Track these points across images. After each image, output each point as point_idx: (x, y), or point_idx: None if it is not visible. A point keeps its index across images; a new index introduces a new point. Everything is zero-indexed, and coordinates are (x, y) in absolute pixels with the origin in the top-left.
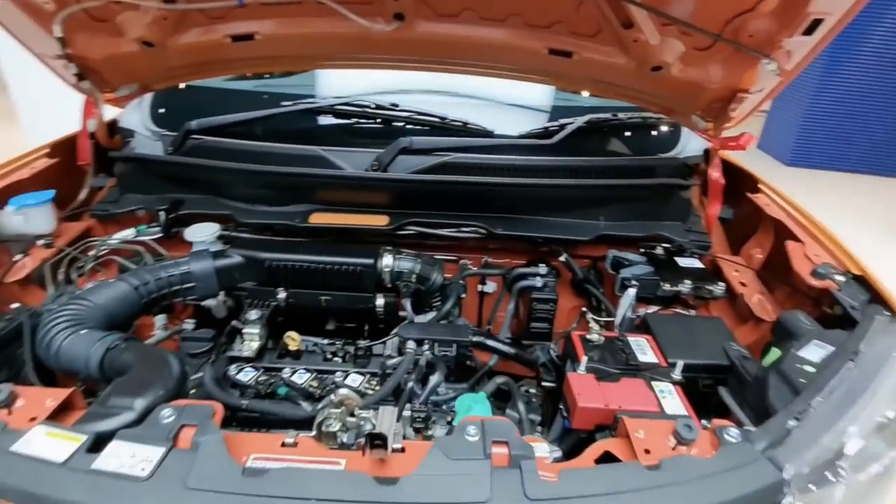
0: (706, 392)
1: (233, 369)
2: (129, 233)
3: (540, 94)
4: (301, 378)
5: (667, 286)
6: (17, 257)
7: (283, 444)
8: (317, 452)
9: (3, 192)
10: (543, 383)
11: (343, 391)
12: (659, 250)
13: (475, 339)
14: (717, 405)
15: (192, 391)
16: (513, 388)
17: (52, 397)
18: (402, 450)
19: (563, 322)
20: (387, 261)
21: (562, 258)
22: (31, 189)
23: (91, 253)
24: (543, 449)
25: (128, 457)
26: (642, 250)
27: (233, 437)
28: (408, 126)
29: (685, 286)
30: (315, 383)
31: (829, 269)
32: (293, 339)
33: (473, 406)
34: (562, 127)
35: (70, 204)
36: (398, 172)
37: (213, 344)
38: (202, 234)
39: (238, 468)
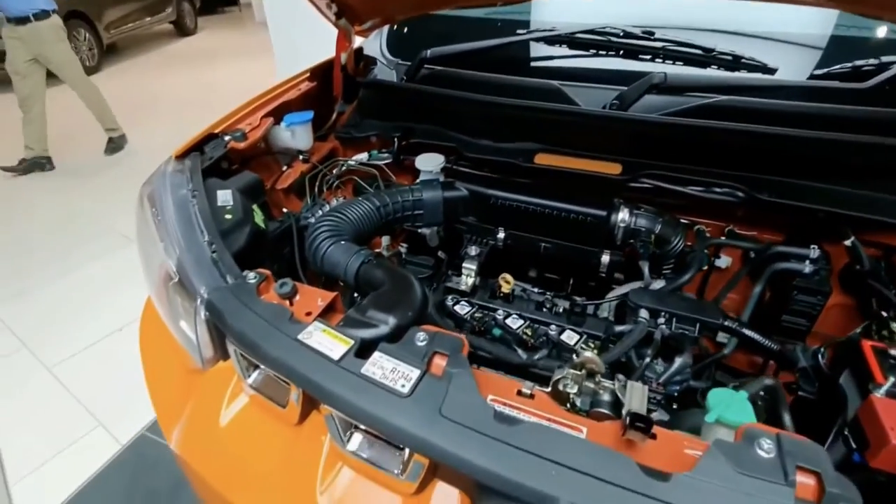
0: None
1: (449, 300)
2: (363, 156)
3: (813, 20)
4: (515, 323)
5: None
6: (284, 168)
7: (520, 393)
8: (553, 411)
9: (278, 109)
10: (800, 392)
11: (588, 354)
12: None
13: (727, 323)
14: None
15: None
16: (780, 394)
17: (321, 297)
18: (654, 436)
19: (821, 322)
20: (622, 215)
21: (848, 241)
22: (295, 109)
23: (335, 171)
24: None
25: (389, 369)
26: None
27: (476, 372)
28: (658, 60)
29: None
30: (529, 331)
31: None
32: (507, 282)
33: (732, 405)
34: (880, 66)
35: (323, 125)
36: (643, 114)
37: (434, 272)
38: (430, 163)
39: (489, 409)
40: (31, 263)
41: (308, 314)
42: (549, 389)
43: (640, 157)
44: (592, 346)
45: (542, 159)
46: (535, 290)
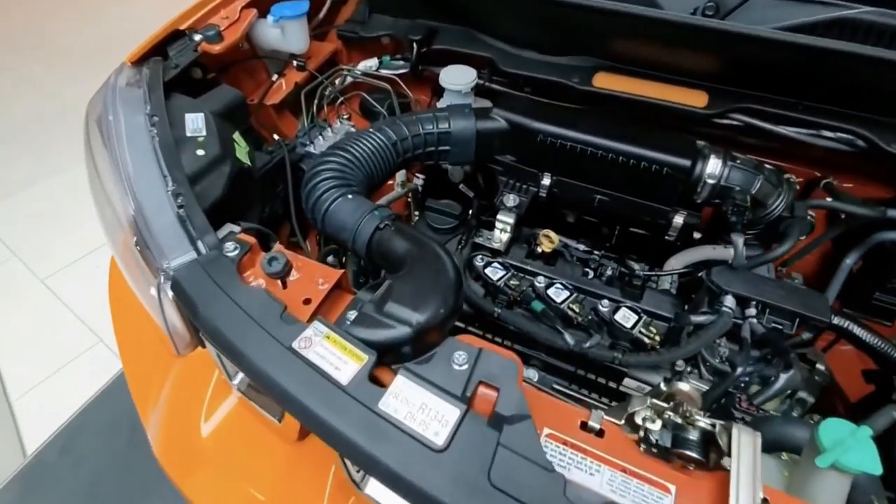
0: None
1: (478, 260)
2: (371, 63)
3: None
4: (559, 295)
5: None
6: (274, 77)
7: (586, 427)
8: (631, 458)
9: None
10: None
11: (683, 386)
12: None
13: (836, 321)
14: None
15: None
16: None
17: (324, 277)
18: (765, 501)
19: None
20: (712, 167)
21: None
22: None
23: (338, 82)
24: None
25: (417, 406)
26: None
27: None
28: None
29: None
30: (576, 307)
31: None
32: (550, 240)
33: (853, 446)
34: None
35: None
36: (749, 25)
37: (461, 223)
38: (459, 79)
39: (559, 480)
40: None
41: (307, 302)
42: (622, 422)
43: (734, 84)
44: (654, 331)
45: (604, 81)
46: (580, 246)
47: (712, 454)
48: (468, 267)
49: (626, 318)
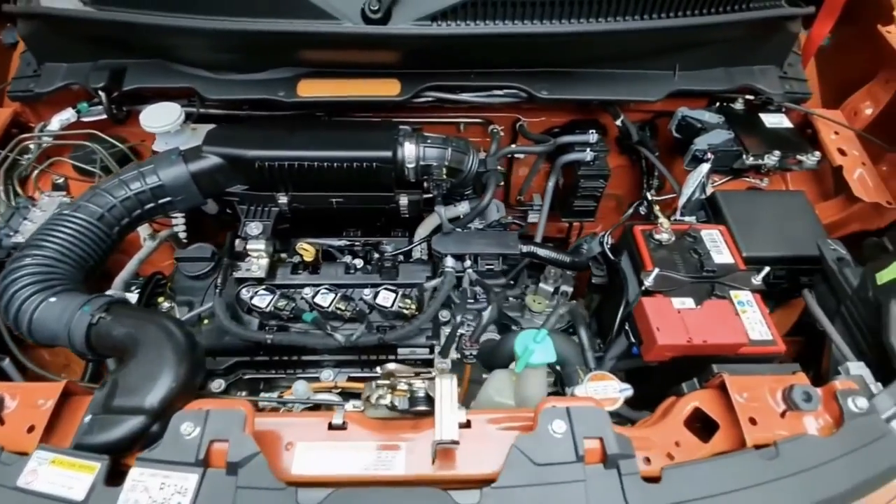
0: (774, 284)
1: (245, 293)
2: (67, 115)
3: None
4: (325, 299)
5: (750, 159)
6: None
7: (331, 426)
8: (368, 435)
9: None
10: (593, 279)
11: (390, 366)
12: (738, 103)
13: (524, 249)
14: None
15: (206, 322)
16: (576, 317)
17: (44, 396)
18: (468, 424)
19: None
20: (409, 151)
21: (618, 121)
22: None
23: (30, 152)
24: (613, 388)
25: (157, 488)
26: (719, 104)
27: (271, 426)
28: None
29: (772, 158)
30: (342, 304)
31: None
32: (307, 251)
33: (535, 348)
34: None
35: None
36: (408, 17)
37: (216, 263)
38: (163, 120)
39: (290, 495)
40: None
41: (31, 430)
42: (362, 408)
43: (418, 67)
44: (409, 302)
45: (308, 88)
46: (343, 242)
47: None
48: (238, 302)
49: (385, 298)
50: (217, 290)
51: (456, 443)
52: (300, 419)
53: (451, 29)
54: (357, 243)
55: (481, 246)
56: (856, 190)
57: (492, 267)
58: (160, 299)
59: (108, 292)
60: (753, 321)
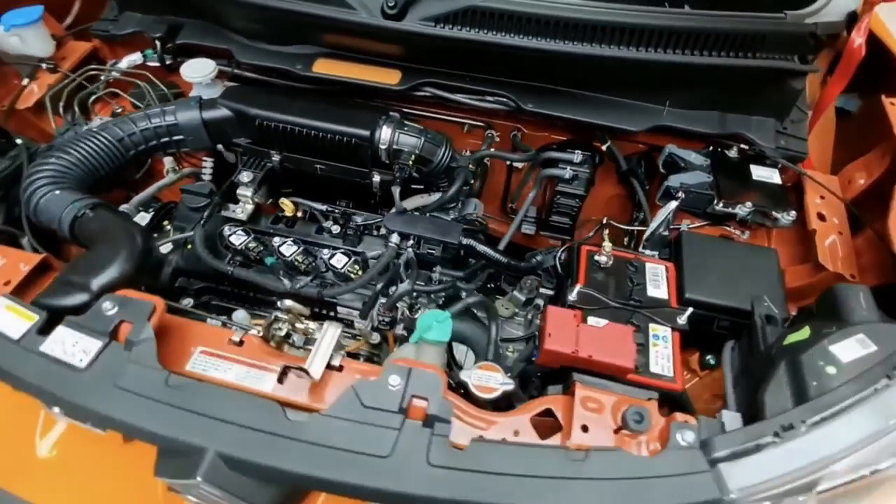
0: (720, 334)
1: (226, 230)
2: (135, 57)
3: None
4: (288, 250)
5: (720, 205)
6: (25, 81)
7: (230, 341)
8: (257, 356)
9: None
10: (542, 290)
11: (288, 302)
12: (734, 151)
13: (465, 241)
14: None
15: (189, 247)
16: (490, 312)
17: (26, 262)
18: (340, 368)
19: (600, 210)
20: (385, 134)
21: (604, 147)
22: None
23: (102, 79)
24: (496, 380)
25: (71, 344)
26: (712, 149)
27: (183, 327)
28: None
29: (744, 209)
30: (301, 257)
31: None
32: (287, 206)
33: (434, 326)
34: None
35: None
36: (421, 15)
37: (211, 200)
38: (199, 71)
39: (162, 377)
40: None
41: (6, 283)
42: (261, 334)
43: (421, 63)
44: (357, 268)
45: (322, 66)
46: (324, 207)
47: None
48: (220, 236)
49: (338, 260)
50: (202, 222)
51: (304, 371)
52: (206, 329)
53: (448, 32)
54: (336, 211)
55: (425, 230)
56: (821, 257)
57: (432, 252)
58: (165, 222)
59: (122, 207)
60: (660, 356)
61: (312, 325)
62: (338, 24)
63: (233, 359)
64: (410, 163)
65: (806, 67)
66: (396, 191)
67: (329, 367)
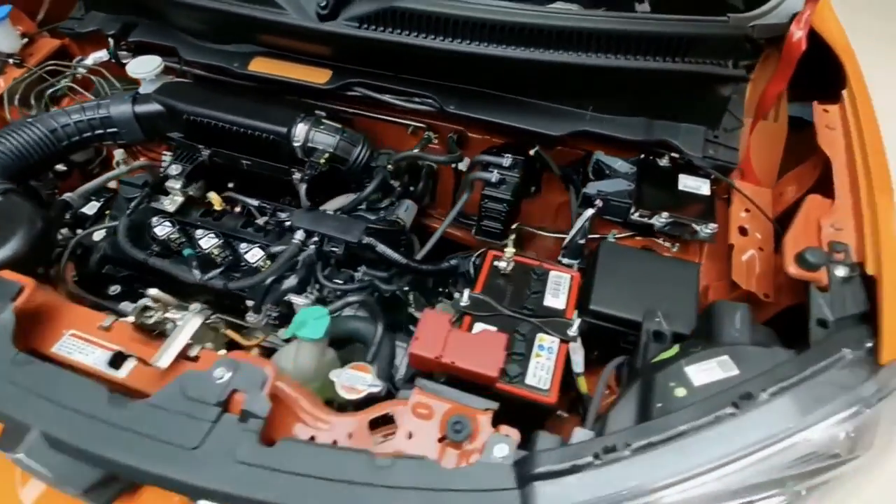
0: (625, 349)
1: (154, 221)
2: (101, 54)
3: None
4: (207, 243)
5: (636, 214)
6: None
7: (100, 326)
8: (122, 342)
9: None
10: (454, 295)
11: (153, 291)
12: (666, 160)
13: (365, 241)
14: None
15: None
16: (375, 313)
17: None
18: (196, 359)
19: (550, 217)
20: (300, 132)
21: (532, 151)
22: None
23: (68, 74)
24: (364, 381)
25: None
26: (643, 156)
27: (62, 309)
28: None
29: (660, 219)
30: (217, 250)
31: (825, 258)
32: (215, 199)
33: (309, 323)
34: None
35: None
36: (348, 16)
37: (145, 193)
38: (144, 68)
39: (10, 355)
40: None
41: None
42: (133, 321)
43: (350, 63)
44: (269, 263)
45: (257, 65)
46: (255, 202)
47: None
48: (148, 227)
49: (253, 255)
50: (128, 212)
51: (145, 363)
52: (84, 312)
53: (370, 33)
54: (269, 207)
55: (328, 228)
56: (735, 273)
57: (335, 250)
58: (107, 211)
59: (65, 196)
60: (540, 367)
61: (177, 314)
62: (267, 24)
63: (98, 343)
64: (322, 161)
65: (733, 72)
66: (303, 188)
67: (186, 357)
